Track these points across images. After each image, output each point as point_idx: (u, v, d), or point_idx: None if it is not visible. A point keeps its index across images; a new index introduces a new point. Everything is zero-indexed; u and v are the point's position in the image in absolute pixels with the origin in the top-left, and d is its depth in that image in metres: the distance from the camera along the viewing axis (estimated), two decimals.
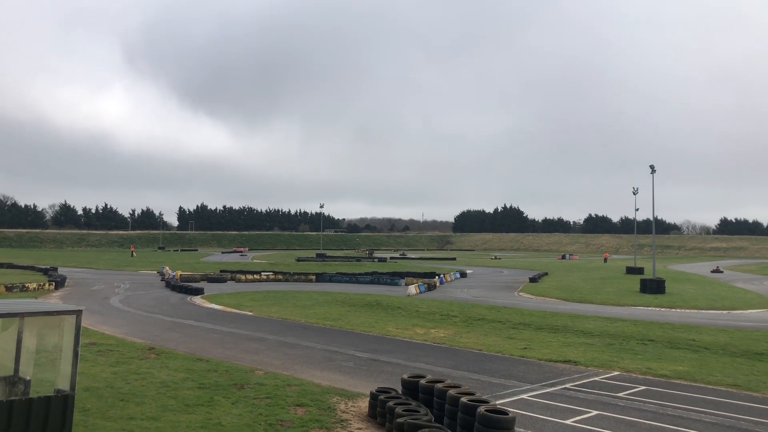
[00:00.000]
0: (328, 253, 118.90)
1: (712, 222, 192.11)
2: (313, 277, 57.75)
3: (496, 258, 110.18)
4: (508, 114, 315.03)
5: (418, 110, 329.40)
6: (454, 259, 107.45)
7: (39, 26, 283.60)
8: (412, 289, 45.54)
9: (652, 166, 53.01)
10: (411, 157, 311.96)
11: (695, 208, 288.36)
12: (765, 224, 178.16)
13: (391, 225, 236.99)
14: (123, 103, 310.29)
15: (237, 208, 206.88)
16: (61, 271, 58.39)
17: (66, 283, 46.76)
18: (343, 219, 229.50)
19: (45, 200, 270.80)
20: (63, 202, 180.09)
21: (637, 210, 76.60)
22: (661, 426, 12.48)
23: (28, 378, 9.90)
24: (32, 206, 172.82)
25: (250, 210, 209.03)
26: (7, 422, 8.55)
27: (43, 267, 61.98)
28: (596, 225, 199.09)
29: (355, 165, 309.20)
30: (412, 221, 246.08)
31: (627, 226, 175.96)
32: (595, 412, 13.38)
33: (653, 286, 45.29)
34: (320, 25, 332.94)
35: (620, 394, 15.14)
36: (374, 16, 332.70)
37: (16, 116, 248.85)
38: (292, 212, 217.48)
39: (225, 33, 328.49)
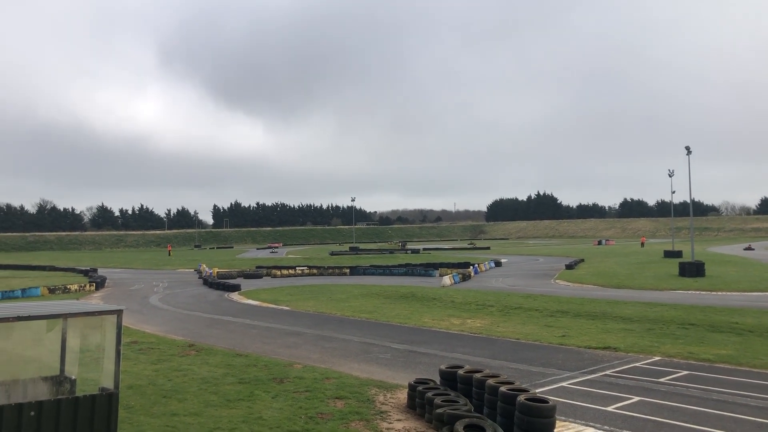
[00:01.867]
0: (361, 246, 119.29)
1: (753, 202, 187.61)
2: (347, 271, 57.97)
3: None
4: (545, 99, 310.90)
5: (455, 98, 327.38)
6: (488, 248, 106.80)
7: (76, 30, 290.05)
8: (447, 280, 45.40)
9: (687, 147, 51.99)
10: (446, 146, 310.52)
11: (734, 188, 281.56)
12: None
13: (423, 216, 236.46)
14: (158, 103, 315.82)
15: (270, 205, 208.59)
16: (101, 272, 59.59)
17: (106, 284, 47.72)
18: (375, 212, 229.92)
19: (83, 203, 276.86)
20: (100, 204, 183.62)
21: (673, 192, 75.35)
22: (705, 411, 12.26)
23: (73, 377, 10.11)
24: (71, 209, 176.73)
25: (283, 206, 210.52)
26: (56, 421, 8.75)
27: (84, 268, 63.32)
28: (632, 209, 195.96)
29: (389, 157, 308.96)
30: (444, 212, 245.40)
31: (664, 209, 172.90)
32: (636, 398, 13.20)
33: (692, 270, 44.41)
34: (355, 16, 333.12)
35: (662, 380, 14.91)
36: (409, 4, 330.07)
37: (54, 120, 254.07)
38: (324, 207, 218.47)
39: (259, 28, 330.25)
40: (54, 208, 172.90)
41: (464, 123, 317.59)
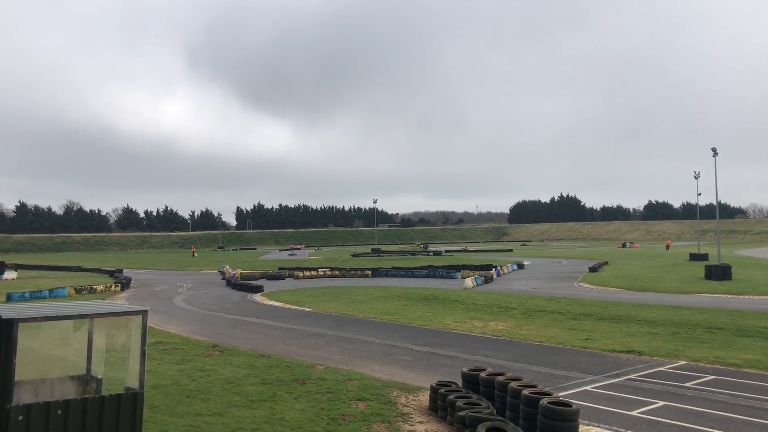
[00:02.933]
0: (383, 247, 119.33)
1: None
2: (369, 272, 58.05)
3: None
4: (573, 99, 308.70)
5: (482, 98, 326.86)
6: (510, 250, 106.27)
7: (103, 33, 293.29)
8: (469, 282, 45.25)
9: (714, 149, 51.20)
10: (471, 147, 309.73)
11: (763, 190, 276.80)
12: None
13: (445, 218, 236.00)
14: (184, 105, 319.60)
15: (292, 206, 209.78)
16: (126, 272, 60.31)
17: (131, 285, 48.28)
18: (397, 213, 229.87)
19: (109, 204, 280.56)
20: (126, 206, 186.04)
21: (699, 194, 73.97)
22: (733, 416, 12.07)
23: (99, 377, 10.24)
24: (97, 211, 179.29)
25: (306, 207, 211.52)
26: (82, 420, 8.87)
27: (109, 269, 64.17)
28: (657, 211, 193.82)
29: (413, 158, 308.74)
30: (466, 214, 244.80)
31: (689, 211, 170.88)
32: (661, 403, 13.04)
33: (719, 273, 43.76)
34: (381, 16, 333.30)
35: (688, 384, 14.72)
36: (437, 3, 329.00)
37: (82, 122, 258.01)
38: (346, 208, 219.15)
39: (286, 29, 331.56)
40: (80, 210, 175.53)
41: (491, 123, 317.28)
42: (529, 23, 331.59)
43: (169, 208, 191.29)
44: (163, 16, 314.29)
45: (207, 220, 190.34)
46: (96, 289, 43.12)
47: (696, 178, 66.47)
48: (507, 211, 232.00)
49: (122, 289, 44.72)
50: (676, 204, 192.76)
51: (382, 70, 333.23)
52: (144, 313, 9.98)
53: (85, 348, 10.09)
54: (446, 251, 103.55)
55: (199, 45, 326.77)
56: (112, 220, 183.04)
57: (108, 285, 45.18)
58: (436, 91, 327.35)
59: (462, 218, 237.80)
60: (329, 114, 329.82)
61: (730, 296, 35.42)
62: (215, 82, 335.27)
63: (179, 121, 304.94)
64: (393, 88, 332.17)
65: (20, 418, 8.39)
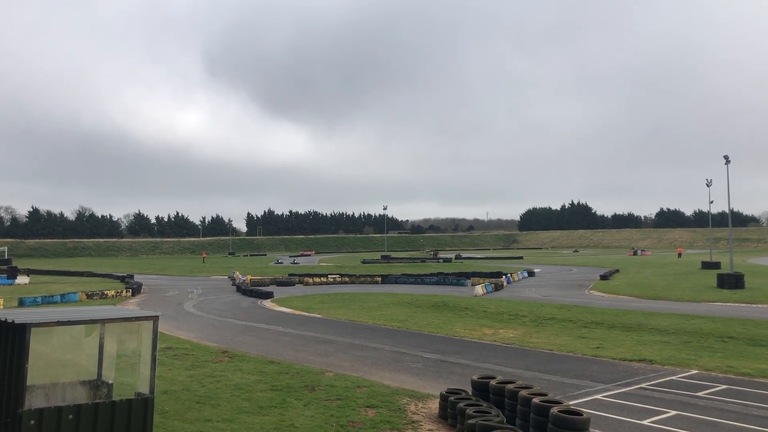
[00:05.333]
0: (393, 254, 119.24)
1: None
2: (379, 279, 58.00)
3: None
4: (590, 105, 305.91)
5: (502, 103, 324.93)
6: (521, 258, 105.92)
7: (125, 38, 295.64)
8: (479, 290, 45.11)
9: (726, 156, 50.92)
10: (487, 153, 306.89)
11: None
12: None
13: (455, 225, 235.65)
14: (199, 111, 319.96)
15: (303, 213, 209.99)
16: (137, 278, 60.55)
17: (142, 290, 48.51)
18: (407, 220, 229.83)
19: (120, 210, 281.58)
20: (137, 212, 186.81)
21: (711, 202, 73.58)
22: (745, 427, 11.96)
23: (110, 382, 10.29)
24: (108, 216, 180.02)
25: (316, 214, 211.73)
26: (93, 424, 8.91)
27: (120, 274, 64.46)
28: (668, 219, 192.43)
29: (429, 164, 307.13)
30: (476, 220, 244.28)
31: (701, 219, 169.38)
32: (673, 412, 12.94)
33: (731, 281, 43.43)
34: (403, 21, 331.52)
35: (700, 394, 14.60)
36: (461, 6, 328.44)
37: (96, 128, 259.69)
38: (356, 215, 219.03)
39: (306, 34, 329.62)
40: (92, 215, 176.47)
41: (509, 128, 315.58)
42: (553, 27, 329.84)
43: (180, 214, 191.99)
44: (182, 22, 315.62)
45: (218, 226, 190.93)
46: (107, 295, 43.33)
47: (708, 185, 66.18)
48: (517, 218, 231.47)
49: (133, 295, 44.93)
50: (688, 212, 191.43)
51: (403, 74, 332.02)
52: (155, 319, 10.02)
53: (96, 353, 10.14)
54: (456, 258, 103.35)
55: (218, 51, 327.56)
56: (123, 226, 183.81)
57: (119, 290, 45.41)
58: (456, 95, 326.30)
59: (472, 225, 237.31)
60: (347, 119, 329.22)
61: (743, 305, 35.13)
62: (233, 88, 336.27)
63: (195, 128, 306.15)
64: (413, 92, 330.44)
65: (32, 422, 8.44)
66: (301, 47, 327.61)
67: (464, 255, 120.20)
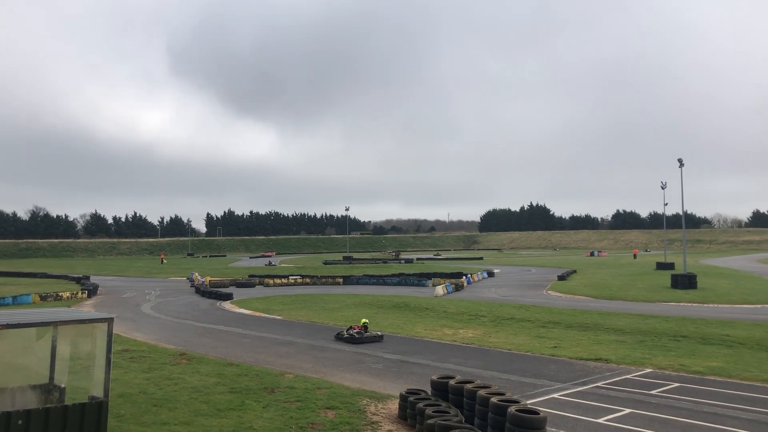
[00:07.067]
0: (355, 255, 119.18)
1: (745, 215, 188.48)
2: (341, 280, 57.87)
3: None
4: (556, 108, 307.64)
5: (472, 104, 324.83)
6: (481, 258, 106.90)
7: (88, 34, 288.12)
8: (440, 290, 45.39)
9: (680, 160, 52.17)
10: (454, 154, 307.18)
11: (727, 201, 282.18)
12: None
13: (417, 226, 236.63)
14: (165, 111, 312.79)
15: (263, 213, 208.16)
16: (94, 279, 59.31)
17: (98, 292, 47.52)
18: (369, 221, 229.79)
19: (76, 210, 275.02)
20: (94, 212, 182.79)
21: (665, 204, 75.55)
22: (696, 423, 12.28)
23: (63, 385, 10.07)
24: (64, 216, 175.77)
25: (277, 214, 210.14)
26: (44, 430, 8.70)
27: (76, 276, 63.08)
28: (624, 221, 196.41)
29: (395, 165, 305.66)
30: (438, 222, 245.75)
31: (656, 221, 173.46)
32: (628, 410, 13.21)
33: (685, 282, 44.53)
34: (374, 20, 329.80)
35: (653, 392, 14.94)
36: (433, 7, 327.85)
37: (53, 126, 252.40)
38: (318, 216, 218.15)
39: (273, 32, 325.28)
40: (47, 215, 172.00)
41: (478, 130, 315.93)
42: (525, 28, 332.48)
43: (138, 215, 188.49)
44: (146, 18, 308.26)
45: (177, 227, 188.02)
46: (62, 296, 42.32)
47: (663, 188, 67.74)
48: (478, 219, 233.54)
49: (89, 296, 43.98)
50: (644, 214, 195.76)
51: (372, 74, 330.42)
52: (110, 321, 9.86)
53: (49, 356, 9.92)
54: (418, 259, 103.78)
55: (183, 48, 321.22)
56: (79, 226, 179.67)
57: (74, 292, 44.40)
58: (427, 96, 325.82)
59: (434, 226, 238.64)
60: (315, 118, 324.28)
61: (696, 305, 36.06)
62: (198, 86, 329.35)
63: (158, 126, 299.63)
64: (382, 92, 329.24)
65: None
66: (269, 45, 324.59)
67: (425, 256, 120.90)
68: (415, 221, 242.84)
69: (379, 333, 24.11)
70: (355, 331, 23.84)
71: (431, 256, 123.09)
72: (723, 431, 11.82)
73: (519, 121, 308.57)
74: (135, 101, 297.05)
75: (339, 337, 23.88)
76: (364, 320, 24.76)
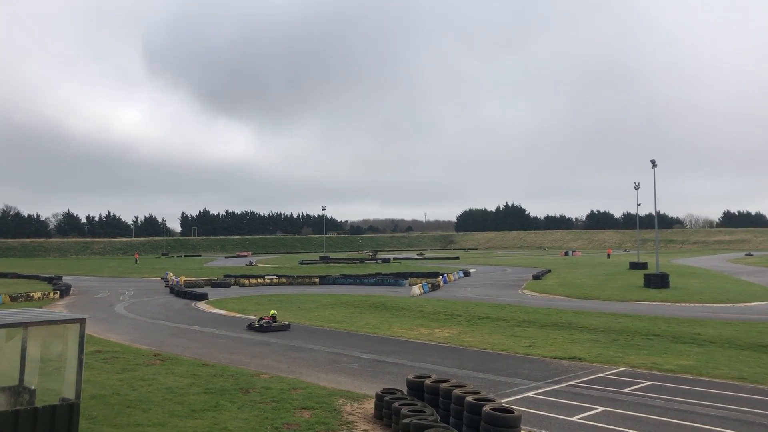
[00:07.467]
0: (332, 255, 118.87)
1: (715, 215, 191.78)
2: (317, 280, 57.71)
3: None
4: (534, 109, 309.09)
5: (451, 104, 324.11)
6: (457, 258, 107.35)
7: (62, 31, 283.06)
8: (416, 290, 45.50)
9: (653, 161, 52.85)
10: (432, 154, 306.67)
11: (698, 201, 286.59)
12: None
13: (394, 226, 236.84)
14: (140, 110, 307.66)
15: (239, 213, 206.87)
16: (66, 279, 58.40)
17: (71, 292, 46.84)
18: (346, 221, 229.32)
19: (48, 209, 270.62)
20: (66, 211, 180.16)
21: (639, 205, 76.17)
22: (667, 421, 12.47)
23: (33, 387, 9.92)
24: (35, 215, 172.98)
25: (253, 214, 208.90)
26: None
27: (48, 276, 62.06)
28: (598, 221, 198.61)
29: (373, 164, 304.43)
30: (414, 221, 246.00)
31: (630, 221, 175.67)
32: (601, 409, 13.37)
33: (657, 281, 45.14)
34: (354, 18, 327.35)
35: (626, 390, 15.13)
36: (413, 6, 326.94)
37: (26, 124, 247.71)
38: (295, 215, 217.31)
39: (251, 30, 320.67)
40: (18, 215, 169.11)
41: (457, 130, 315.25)
42: (504, 28, 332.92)
43: (111, 214, 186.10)
44: (122, 15, 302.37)
45: (151, 227, 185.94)
46: (33, 297, 41.63)
47: (636, 188, 68.54)
48: (455, 219, 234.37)
49: (61, 297, 43.33)
50: (618, 214, 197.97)
51: (351, 73, 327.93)
52: (82, 321, 9.73)
53: (18, 358, 9.76)
54: (395, 259, 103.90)
55: (159, 46, 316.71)
56: (51, 226, 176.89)
57: (46, 292, 43.72)
58: (405, 95, 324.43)
59: (411, 226, 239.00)
60: (293, 117, 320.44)
61: (668, 304, 36.58)
62: (174, 85, 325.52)
63: (133, 125, 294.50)
64: (361, 91, 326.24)
65: None
66: (247, 43, 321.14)
67: (402, 255, 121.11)
68: (393, 221, 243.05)
69: (287, 323, 27.30)
70: (264, 321, 26.97)
71: (414, 255, 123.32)
72: (694, 428, 12.01)
73: (496, 121, 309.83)
74: (110, 100, 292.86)
75: (250, 327, 27.05)
76: (272, 311, 28.12)
